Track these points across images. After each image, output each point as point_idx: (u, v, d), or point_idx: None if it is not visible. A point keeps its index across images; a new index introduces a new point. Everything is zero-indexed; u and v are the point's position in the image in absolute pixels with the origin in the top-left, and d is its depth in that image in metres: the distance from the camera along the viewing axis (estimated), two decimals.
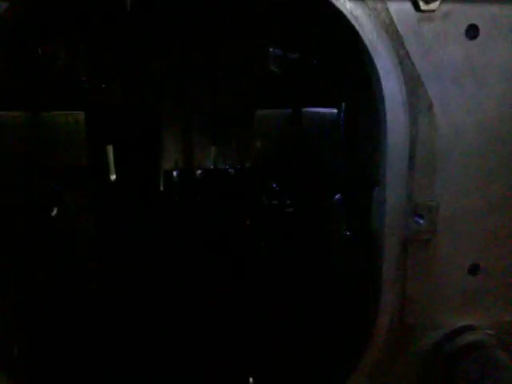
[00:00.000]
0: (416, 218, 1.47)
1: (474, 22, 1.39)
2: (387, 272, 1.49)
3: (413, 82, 1.40)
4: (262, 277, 2.16)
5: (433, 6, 1.35)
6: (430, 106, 1.41)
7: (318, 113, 2.06)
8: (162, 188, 2.26)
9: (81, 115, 2.00)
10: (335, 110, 1.92)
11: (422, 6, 1.35)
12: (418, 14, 1.37)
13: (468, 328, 1.54)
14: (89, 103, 2.05)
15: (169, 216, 2.25)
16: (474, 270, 1.53)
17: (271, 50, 2.08)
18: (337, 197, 1.89)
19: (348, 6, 1.35)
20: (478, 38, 1.40)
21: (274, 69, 2.08)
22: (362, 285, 1.61)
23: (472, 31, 1.39)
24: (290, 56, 2.06)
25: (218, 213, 2.26)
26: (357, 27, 1.36)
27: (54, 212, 1.98)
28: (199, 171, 2.31)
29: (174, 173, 2.29)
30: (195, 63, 2.15)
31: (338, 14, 1.34)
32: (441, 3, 1.36)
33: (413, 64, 1.39)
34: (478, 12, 1.39)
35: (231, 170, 2.30)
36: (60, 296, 1.96)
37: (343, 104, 1.84)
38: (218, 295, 2.14)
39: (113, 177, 2.20)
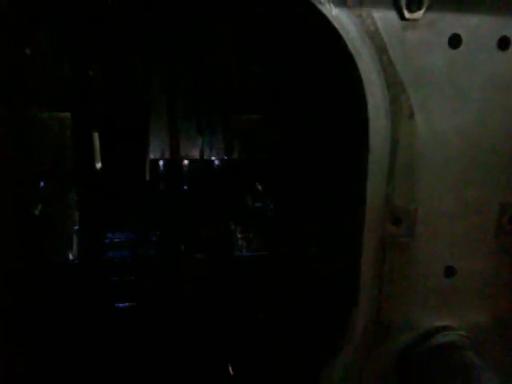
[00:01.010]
0: (395, 222, 1.50)
1: (457, 31, 1.42)
2: (365, 273, 1.52)
3: (395, 89, 1.42)
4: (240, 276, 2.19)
5: (417, 15, 1.38)
6: (412, 113, 1.44)
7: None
8: (147, 177, 2.28)
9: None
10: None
11: (407, 14, 1.37)
12: (403, 23, 1.39)
13: (443, 329, 1.58)
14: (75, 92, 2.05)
15: (154, 206, 2.26)
16: (449, 272, 1.57)
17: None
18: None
19: (334, 13, 1.36)
20: (461, 47, 1.43)
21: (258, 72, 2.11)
22: (339, 284, 1.65)
23: (455, 40, 1.42)
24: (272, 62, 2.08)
25: (204, 207, 2.28)
26: (342, 33, 1.38)
27: (38, 209, 1.99)
28: (186, 161, 2.33)
29: (161, 162, 2.31)
30: (182, 54, 2.16)
31: (324, 20, 1.36)
32: (425, 12, 1.38)
33: (396, 71, 1.42)
34: (461, 22, 1.41)
35: (217, 161, 2.32)
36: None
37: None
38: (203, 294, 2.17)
39: (98, 165, 2.21)
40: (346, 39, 1.38)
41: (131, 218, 2.26)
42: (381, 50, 1.40)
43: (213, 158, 2.32)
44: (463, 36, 1.42)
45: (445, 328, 1.59)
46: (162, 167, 2.31)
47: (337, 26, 1.37)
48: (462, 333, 1.57)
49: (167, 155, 2.29)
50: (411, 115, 1.45)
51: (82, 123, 2.09)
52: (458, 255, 1.56)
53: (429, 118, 1.46)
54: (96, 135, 2.17)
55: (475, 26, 1.42)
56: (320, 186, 1.88)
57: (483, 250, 1.57)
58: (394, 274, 1.54)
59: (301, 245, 2.05)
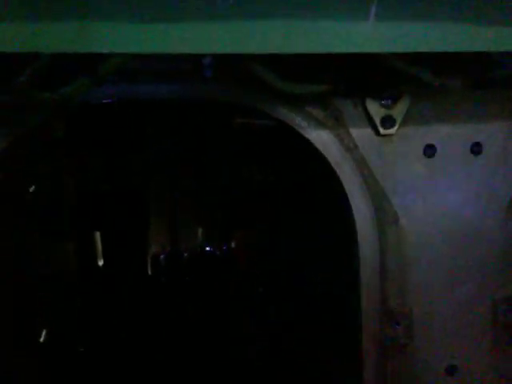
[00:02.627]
0: (392, 324, 1.54)
1: (430, 142, 1.52)
2: (367, 377, 1.54)
3: (378, 198, 1.51)
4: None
5: (391, 130, 1.48)
6: (396, 218, 1.52)
7: None
8: (149, 272, 2.33)
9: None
10: None
11: (382, 131, 1.48)
12: (379, 138, 1.50)
13: None
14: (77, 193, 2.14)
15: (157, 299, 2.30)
16: (451, 370, 1.59)
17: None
18: None
19: (314, 134, 1.47)
20: (436, 156, 1.52)
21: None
22: None
23: (429, 150, 1.52)
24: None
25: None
26: (323, 151, 1.48)
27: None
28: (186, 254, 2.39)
29: (162, 256, 2.37)
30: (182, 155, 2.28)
31: (307, 142, 1.47)
32: (398, 128, 1.49)
33: (377, 181, 1.51)
34: (433, 133, 1.52)
35: (218, 253, 2.38)
36: None
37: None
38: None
39: (100, 262, 2.27)
40: (327, 157, 1.48)
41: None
42: (361, 163, 1.49)
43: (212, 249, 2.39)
44: (437, 145, 1.52)
45: None
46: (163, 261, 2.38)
47: (318, 146, 1.47)
48: None
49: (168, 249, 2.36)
50: (396, 221, 1.52)
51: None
52: (458, 352, 1.58)
53: (413, 222, 1.53)
54: (98, 234, 2.25)
55: (448, 135, 1.53)
56: (316, 292, 1.93)
57: (482, 345, 1.60)
58: (396, 376, 1.55)
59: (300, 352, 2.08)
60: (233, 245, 2.44)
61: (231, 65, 1.25)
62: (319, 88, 1.32)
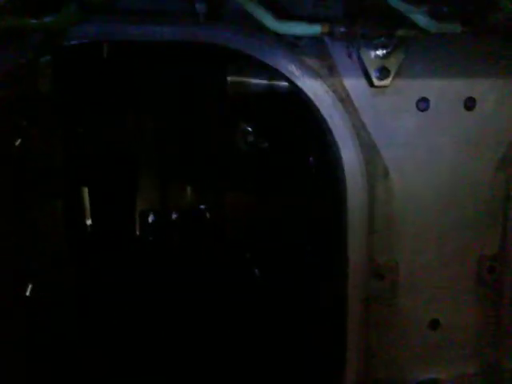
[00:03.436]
0: (378, 278, 1.55)
1: (423, 95, 1.50)
2: (351, 330, 1.56)
3: (369, 151, 1.50)
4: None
5: (385, 82, 1.46)
6: (386, 173, 1.51)
7: None
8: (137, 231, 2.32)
9: None
10: None
11: (376, 82, 1.46)
12: (373, 89, 1.48)
13: (431, 382, 1.61)
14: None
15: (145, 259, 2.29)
16: (434, 324, 1.61)
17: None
18: None
19: (308, 83, 1.45)
20: (429, 110, 1.51)
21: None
22: (326, 342, 1.68)
23: (422, 103, 1.51)
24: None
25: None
26: (315, 101, 1.46)
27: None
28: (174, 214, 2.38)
29: (150, 215, 2.36)
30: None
31: (299, 92, 1.45)
32: (393, 79, 1.47)
33: (369, 134, 1.49)
34: (427, 86, 1.50)
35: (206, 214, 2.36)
36: None
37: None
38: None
39: (88, 221, 2.24)
40: (319, 106, 1.46)
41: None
42: (353, 115, 1.48)
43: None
44: (430, 99, 1.51)
45: (434, 381, 1.61)
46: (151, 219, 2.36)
47: (310, 95, 1.45)
48: None
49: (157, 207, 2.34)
50: (386, 175, 1.52)
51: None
52: (441, 308, 1.60)
53: (403, 177, 1.53)
54: (86, 190, 2.22)
55: (441, 89, 1.51)
56: (305, 246, 1.93)
57: (465, 301, 1.61)
58: (379, 329, 1.57)
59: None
60: (221, 207, 2.41)
61: (226, 5, 1.21)
62: (314, 29, 1.29)
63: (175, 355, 2.16)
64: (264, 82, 2.04)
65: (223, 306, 2.20)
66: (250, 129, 2.23)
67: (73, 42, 1.19)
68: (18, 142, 2.02)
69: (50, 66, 1.87)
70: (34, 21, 1.03)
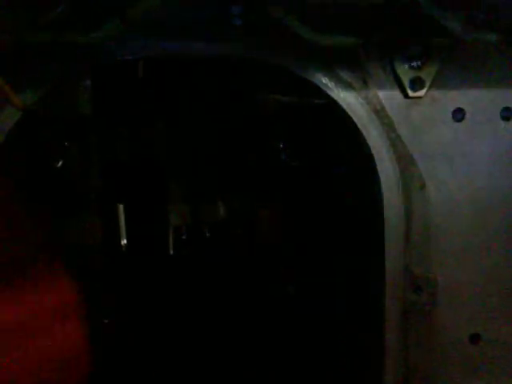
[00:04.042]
0: (416, 291, 1.53)
1: (459, 105, 1.49)
2: (390, 342, 1.53)
3: (405, 162, 1.49)
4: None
5: (420, 93, 1.46)
6: (423, 184, 1.50)
7: None
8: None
9: None
10: None
11: (410, 93, 1.46)
12: (407, 100, 1.47)
13: None
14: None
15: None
16: (474, 339, 1.57)
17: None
18: None
19: (342, 95, 1.46)
20: (465, 120, 1.50)
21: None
22: (363, 356, 1.66)
23: (458, 114, 1.50)
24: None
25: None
26: (350, 113, 1.46)
27: None
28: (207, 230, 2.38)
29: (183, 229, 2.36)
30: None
31: (334, 104, 1.46)
32: (428, 90, 1.47)
33: (404, 145, 1.49)
34: (463, 96, 1.49)
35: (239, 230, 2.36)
36: None
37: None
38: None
39: (124, 241, 2.25)
40: (354, 119, 1.46)
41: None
42: (388, 126, 1.48)
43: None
44: (466, 109, 1.50)
45: None
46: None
47: (345, 107, 1.46)
48: None
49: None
50: (422, 186, 1.50)
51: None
52: (483, 322, 1.57)
53: (440, 189, 1.51)
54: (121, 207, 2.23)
55: (477, 99, 1.50)
56: (340, 259, 1.92)
57: (507, 317, 1.58)
58: (418, 342, 1.54)
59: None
60: (256, 223, 2.41)
61: (258, 14, 1.23)
62: (347, 40, 1.30)
63: (211, 371, 2.16)
64: (296, 97, 2.05)
65: (259, 321, 2.20)
66: (282, 145, 2.25)
67: (115, 59, 1.22)
68: (59, 164, 2.05)
69: (90, 85, 1.92)
70: (81, 36, 1.05)
